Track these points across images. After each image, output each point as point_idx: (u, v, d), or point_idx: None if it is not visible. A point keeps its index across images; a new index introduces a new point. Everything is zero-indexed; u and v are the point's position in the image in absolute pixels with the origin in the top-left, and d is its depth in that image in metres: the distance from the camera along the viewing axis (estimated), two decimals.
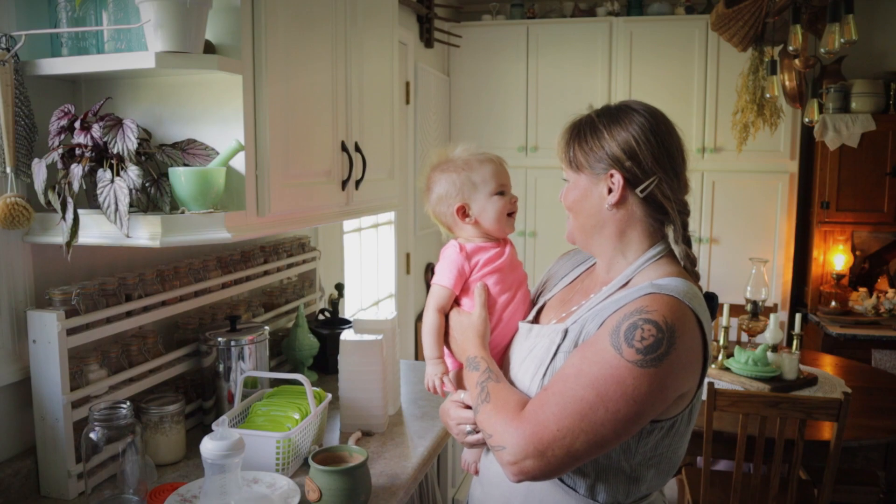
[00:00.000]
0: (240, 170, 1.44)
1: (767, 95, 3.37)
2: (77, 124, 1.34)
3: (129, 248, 1.62)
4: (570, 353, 1.10)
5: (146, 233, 1.32)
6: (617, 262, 1.18)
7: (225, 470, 1.25)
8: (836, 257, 4.08)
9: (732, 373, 2.77)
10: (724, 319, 2.99)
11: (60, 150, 1.34)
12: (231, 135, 1.42)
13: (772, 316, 2.88)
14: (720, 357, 2.89)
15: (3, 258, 1.42)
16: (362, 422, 1.81)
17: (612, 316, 1.06)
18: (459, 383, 1.27)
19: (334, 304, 2.47)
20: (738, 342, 3.32)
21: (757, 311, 3.11)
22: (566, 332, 1.13)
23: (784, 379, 2.71)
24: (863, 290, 4.04)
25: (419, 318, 1.22)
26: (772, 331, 2.83)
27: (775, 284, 4.11)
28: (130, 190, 1.29)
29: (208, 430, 1.41)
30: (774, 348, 2.79)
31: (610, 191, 1.13)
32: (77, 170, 1.30)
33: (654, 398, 1.01)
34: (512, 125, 4.37)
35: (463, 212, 1.30)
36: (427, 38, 3.95)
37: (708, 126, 4.09)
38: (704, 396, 2.26)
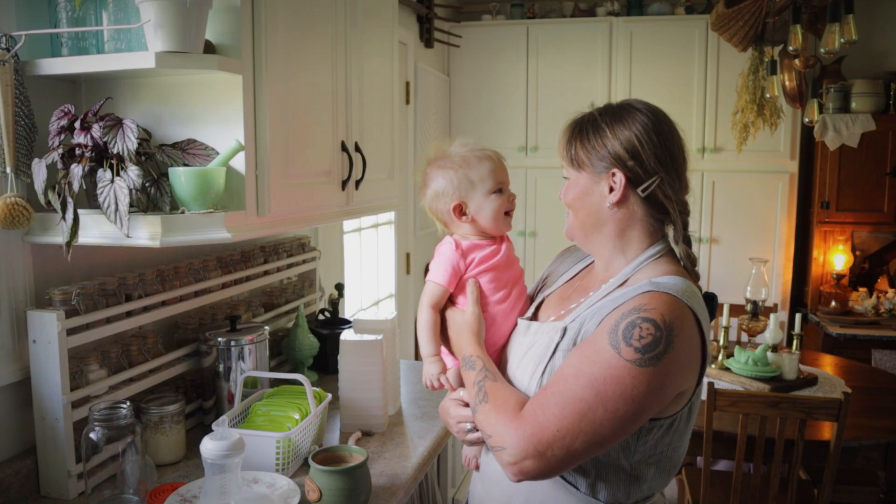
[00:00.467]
0: (240, 170, 1.44)
1: (767, 95, 3.37)
2: (77, 124, 1.34)
3: (129, 248, 1.62)
4: (569, 351, 1.10)
5: (146, 233, 1.32)
6: (616, 261, 1.18)
7: (225, 470, 1.25)
8: (836, 257, 4.08)
9: (732, 373, 2.77)
10: (724, 319, 2.99)
11: (60, 150, 1.34)
12: (231, 135, 1.42)
13: (772, 316, 2.87)
14: (720, 357, 2.89)
15: (3, 258, 1.42)
16: (362, 422, 1.81)
17: (610, 314, 1.06)
18: (459, 381, 1.26)
19: (334, 304, 2.47)
20: (738, 342, 3.32)
21: (757, 311, 3.11)
22: (565, 330, 1.13)
23: (784, 379, 2.71)
24: (863, 290, 4.04)
25: (417, 312, 1.24)
26: (772, 331, 2.83)
27: (775, 284, 4.11)
28: (130, 190, 1.29)
29: (208, 430, 1.41)
30: (774, 348, 2.79)
31: (611, 189, 1.13)
32: (77, 170, 1.30)
33: (652, 397, 1.01)
34: (512, 125, 4.38)
35: (460, 210, 1.28)
36: (427, 38, 3.95)
37: (708, 126, 4.09)
38: (704, 396, 2.26)
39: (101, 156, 1.33)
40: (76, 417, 1.44)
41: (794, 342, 2.95)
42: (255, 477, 1.46)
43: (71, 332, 1.43)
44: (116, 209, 1.28)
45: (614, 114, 1.15)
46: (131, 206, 1.30)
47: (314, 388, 1.71)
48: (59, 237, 1.35)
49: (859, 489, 2.86)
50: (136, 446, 1.36)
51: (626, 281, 1.14)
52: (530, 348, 1.18)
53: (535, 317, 1.29)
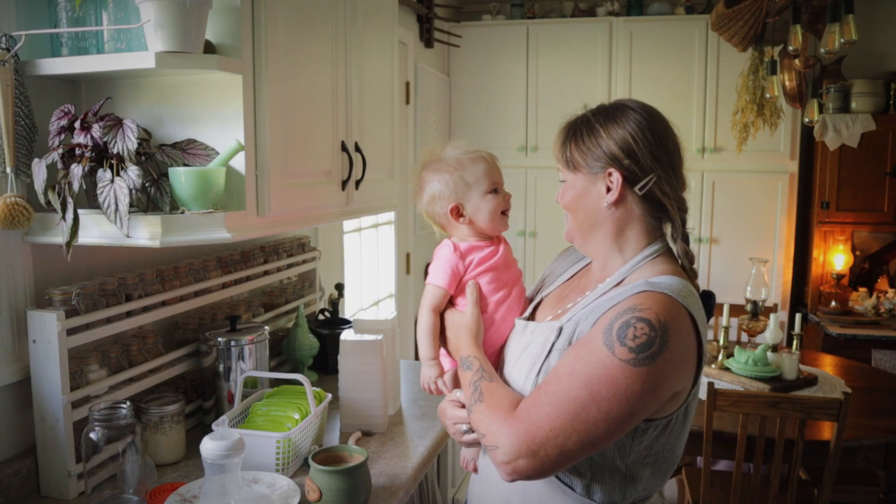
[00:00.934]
0: (240, 170, 1.44)
1: (767, 95, 3.37)
2: (77, 124, 1.34)
3: (129, 248, 1.62)
4: (564, 350, 1.10)
5: (146, 233, 1.32)
6: (613, 260, 1.18)
7: (225, 470, 1.26)
8: (836, 257, 4.08)
9: (732, 373, 2.77)
10: (724, 319, 2.99)
11: (60, 150, 1.34)
12: (231, 135, 1.42)
13: (772, 316, 2.87)
14: (720, 357, 2.89)
15: (3, 258, 1.42)
16: (362, 422, 1.81)
17: (605, 314, 1.06)
18: (457, 382, 1.27)
19: (334, 304, 2.47)
20: (738, 342, 3.32)
21: (757, 311, 3.11)
22: (561, 329, 1.13)
23: (784, 379, 2.71)
24: (863, 290, 4.04)
25: (417, 315, 1.23)
26: (772, 331, 2.83)
27: (775, 284, 4.11)
28: (130, 190, 1.29)
29: (208, 430, 1.41)
30: (774, 348, 2.79)
31: (608, 189, 1.13)
32: (77, 170, 1.30)
33: (647, 397, 1.01)
34: (512, 125, 4.37)
35: (457, 212, 1.29)
36: (427, 38, 3.95)
37: (708, 126, 4.09)
38: (703, 396, 2.26)
39: (101, 156, 1.33)
40: (76, 417, 1.44)
41: (794, 342, 2.95)
42: (255, 477, 1.46)
43: (71, 332, 1.43)
44: (116, 209, 1.28)
45: (607, 114, 1.15)
46: (131, 206, 1.30)
47: (314, 388, 1.71)
48: (59, 237, 1.35)
49: (859, 489, 2.85)
50: (136, 446, 1.36)
51: (622, 280, 1.14)
52: (527, 348, 1.18)
53: (532, 317, 1.29)
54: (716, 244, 4.17)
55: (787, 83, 3.50)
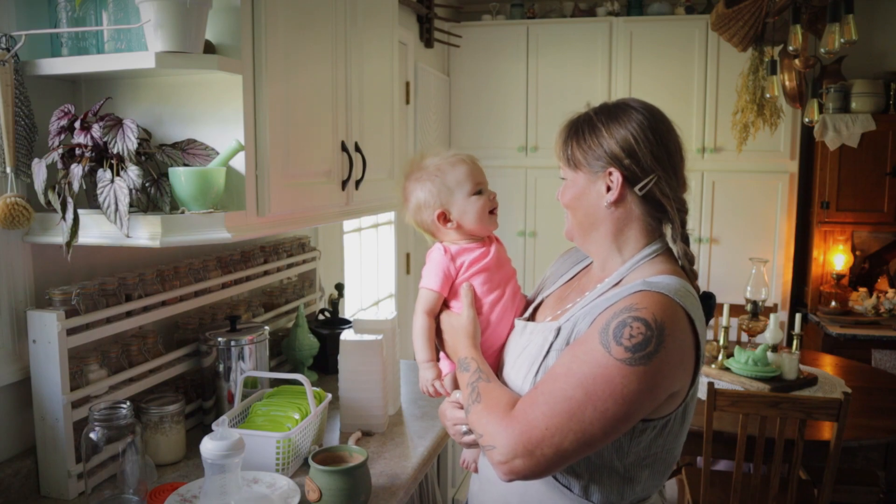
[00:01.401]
0: (240, 170, 1.44)
1: (767, 95, 3.37)
2: (77, 124, 1.34)
3: (129, 248, 1.62)
4: (562, 351, 1.10)
5: (146, 233, 1.32)
6: (612, 260, 1.18)
7: (225, 470, 1.26)
8: (836, 257, 4.08)
9: (732, 373, 2.77)
10: (724, 319, 2.99)
11: (60, 150, 1.34)
12: (231, 135, 1.42)
13: (772, 316, 2.87)
14: (720, 357, 2.89)
15: (3, 258, 1.42)
16: (362, 422, 1.81)
17: (602, 314, 1.06)
18: (457, 384, 1.27)
19: (334, 304, 2.47)
20: (738, 342, 3.32)
21: (757, 311, 3.11)
22: (559, 330, 1.13)
23: (784, 379, 2.71)
24: (863, 290, 4.04)
25: (412, 320, 1.24)
26: (772, 331, 2.83)
27: (775, 284, 4.11)
28: (130, 190, 1.29)
29: (208, 430, 1.41)
30: (774, 348, 2.79)
31: (608, 189, 1.13)
32: (77, 170, 1.30)
33: (643, 397, 1.00)
34: (512, 125, 4.37)
35: (444, 217, 1.29)
36: (427, 38, 3.95)
37: (708, 126, 4.09)
38: (703, 396, 2.26)
39: (101, 156, 1.33)
40: (76, 417, 1.44)
41: (794, 342, 2.95)
42: (255, 477, 1.46)
43: (71, 332, 1.43)
44: (116, 209, 1.28)
45: (610, 113, 1.15)
46: (131, 206, 1.30)
47: (314, 388, 1.71)
48: (59, 237, 1.35)
49: (859, 489, 2.86)
50: (136, 446, 1.36)
51: (620, 280, 1.14)
52: (525, 348, 1.18)
53: (532, 317, 1.29)
54: (716, 244, 4.17)
55: (787, 83, 3.50)
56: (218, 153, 1.42)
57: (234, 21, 1.40)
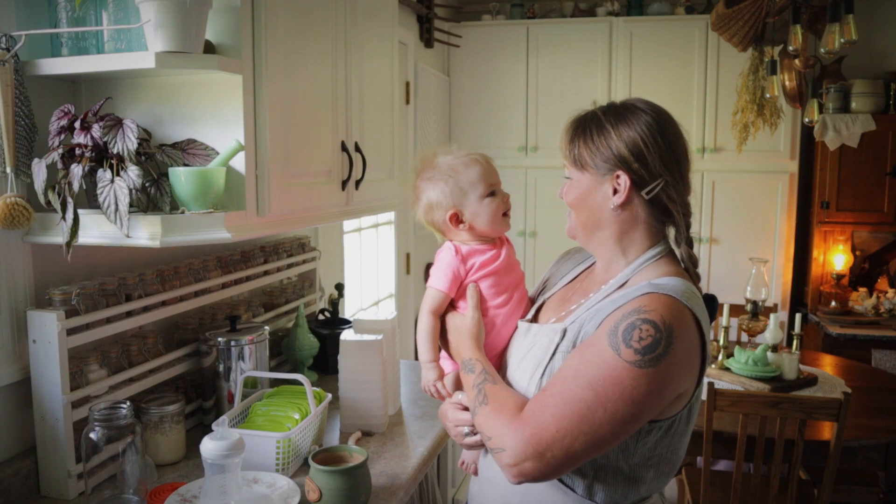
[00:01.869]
0: (240, 170, 1.44)
1: (767, 95, 3.37)
2: (77, 124, 1.34)
3: (129, 248, 1.62)
4: (569, 352, 1.10)
5: (146, 233, 1.32)
6: (616, 262, 1.17)
7: (225, 470, 1.25)
8: (836, 257, 4.08)
9: (732, 373, 2.77)
10: (724, 319, 2.99)
11: (60, 150, 1.34)
12: (231, 135, 1.42)
13: (772, 316, 2.87)
14: (720, 357, 2.89)
15: (3, 258, 1.42)
16: (362, 422, 1.81)
17: (610, 316, 1.06)
18: (458, 385, 1.26)
19: (334, 304, 2.47)
20: (738, 342, 3.32)
21: (757, 311, 3.11)
22: (565, 331, 1.13)
23: (784, 379, 2.71)
24: (863, 290, 4.04)
25: (418, 318, 1.23)
26: (772, 331, 2.83)
27: (775, 284, 4.11)
28: (130, 190, 1.29)
29: (208, 430, 1.41)
30: (774, 348, 2.79)
31: (615, 191, 1.12)
32: (77, 170, 1.30)
33: (652, 398, 1.01)
34: (512, 125, 4.37)
35: (456, 218, 1.27)
36: (427, 38, 3.95)
37: (708, 126, 4.09)
38: (704, 396, 2.26)
39: (101, 156, 1.33)
40: (76, 417, 1.44)
41: (794, 342, 2.95)
42: (255, 477, 1.46)
43: (71, 332, 1.43)
44: (116, 209, 1.28)
45: (618, 114, 1.13)
46: (131, 206, 1.30)
47: (314, 388, 1.71)
48: (59, 237, 1.35)
49: (859, 489, 2.85)
50: (136, 446, 1.36)
51: (625, 282, 1.14)
52: (530, 350, 1.18)
53: (535, 319, 1.28)
54: (716, 244, 4.17)
55: (787, 83, 3.50)
56: (218, 153, 1.42)
57: (234, 21, 1.40)
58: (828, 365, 3.16)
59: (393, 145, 2.23)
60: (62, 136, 1.35)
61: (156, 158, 1.42)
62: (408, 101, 3.73)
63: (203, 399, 1.81)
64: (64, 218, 1.30)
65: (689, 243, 1.15)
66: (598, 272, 1.22)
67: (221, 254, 1.95)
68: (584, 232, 1.19)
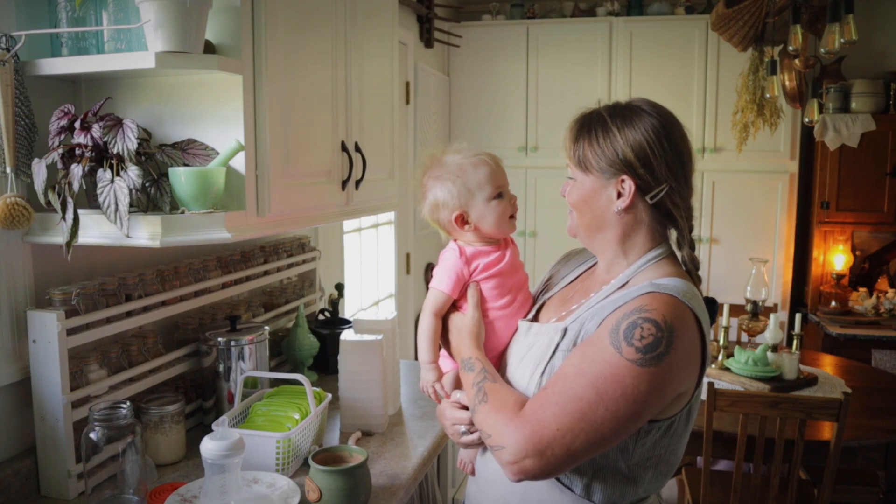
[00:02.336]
0: (240, 170, 1.44)
1: (767, 95, 3.37)
2: (77, 124, 1.34)
3: (129, 248, 1.62)
4: (569, 351, 1.10)
5: (146, 233, 1.32)
6: (618, 263, 1.17)
7: (225, 470, 1.25)
8: (836, 257, 4.08)
9: (732, 373, 2.77)
10: (724, 319, 2.99)
11: (60, 150, 1.34)
12: (231, 135, 1.42)
13: (772, 316, 2.87)
14: (720, 357, 2.89)
15: (3, 258, 1.42)
16: (362, 422, 1.81)
17: (611, 315, 1.06)
18: (457, 384, 1.26)
19: (334, 304, 2.47)
20: (738, 342, 3.32)
21: (757, 311, 3.11)
22: (565, 330, 1.13)
23: (784, 379, 2.71)
24: (863, 290, 4.04)
25: (419, 318, 1.23)
26: (772, 331, 2.83)
27: (775, 284, 4.11)
28: (130, 190, 1.29)
29: (208, 430, 1.41)
30: (774, 348, 2.79)
31: (619, 195, 1.12)
32: (77, 170, 1.30)
33: (653, 397, 1.01)
34: (512, 125, 4.37)
35: (462, 219, 1.26)
36: (427, 38, 3.95)
37: (708, 126, 4.09)
38: (704, 396, 2.26)
39: (101, 156, 1.33)
40: (76, 417, 1.44)
41: (794, 342, 2.95)
42: (255, 477, 1.46)
43: (71, 332, 1.43)
44: (116, 209, 1.28)
45: (624, 116, 1.12)
46: (131, 206, 1.30)
47: (314, 388, 1.71)
48: (59, 237, 1.35)
49: (859, 489, 2.85)
50: (136, 446, 1.36)
51: (627, 283, 1.14)
52: (530, 349, 1.18)
53: (536, 318, 1.28)
54: (716, 244, 4.17)
55: (787, 83, 3.50)
56: (218, 153, 1.42)
57: (234, 21, 1.40)
58: (828, 365, 3.16)
59: (393, 145, 2.23)
60: (62, 136, 1.35)
61: (156, 158, 1.42)
62: (408, 101, 3.73)
63: (203, 399, 1.81)
64: (64, 218, 1.30)
65: (692, 246, 1.15)
66: (599, 272, 1.22)
67: (221, 254, 1.95)
68: (585, 232, 1.19)
